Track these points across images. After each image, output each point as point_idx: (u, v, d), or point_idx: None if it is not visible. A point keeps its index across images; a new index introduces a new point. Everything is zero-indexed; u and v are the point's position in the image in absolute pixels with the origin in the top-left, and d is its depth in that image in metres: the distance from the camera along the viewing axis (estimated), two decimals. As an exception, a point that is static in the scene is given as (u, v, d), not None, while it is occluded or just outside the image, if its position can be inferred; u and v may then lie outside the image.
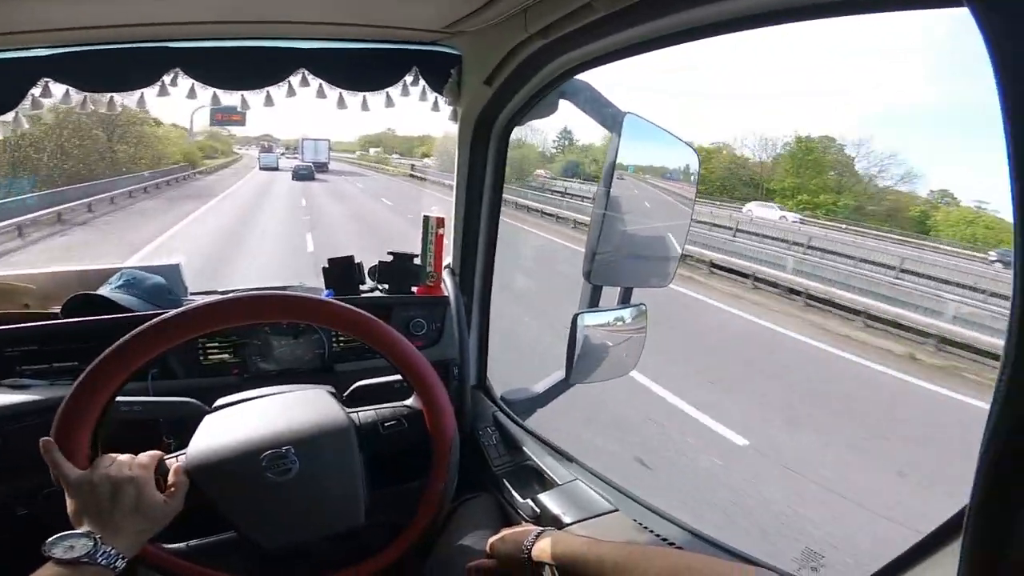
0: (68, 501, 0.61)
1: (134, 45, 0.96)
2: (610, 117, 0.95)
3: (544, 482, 0.95)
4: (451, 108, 1.10)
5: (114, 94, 1.01)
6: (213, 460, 0.68)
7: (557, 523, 0.82)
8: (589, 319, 1.03)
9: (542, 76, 0.87)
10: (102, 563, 0.55)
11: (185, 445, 0.71)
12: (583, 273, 0.96)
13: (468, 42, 0.99)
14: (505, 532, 0.73)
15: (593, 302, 1.02)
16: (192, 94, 1.02)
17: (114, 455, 0.65)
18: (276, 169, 31.04)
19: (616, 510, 0.84)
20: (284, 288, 1.23)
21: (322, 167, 31.33)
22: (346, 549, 0.92)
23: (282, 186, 23.00)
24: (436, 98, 1.10)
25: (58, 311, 1.01)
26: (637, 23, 0.66)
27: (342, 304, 0.72)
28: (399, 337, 0.74)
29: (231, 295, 0.74)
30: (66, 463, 0.61)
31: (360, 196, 22.01)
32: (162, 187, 19.27)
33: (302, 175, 27.08)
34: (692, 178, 1.02)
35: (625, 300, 1.05)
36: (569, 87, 0.95)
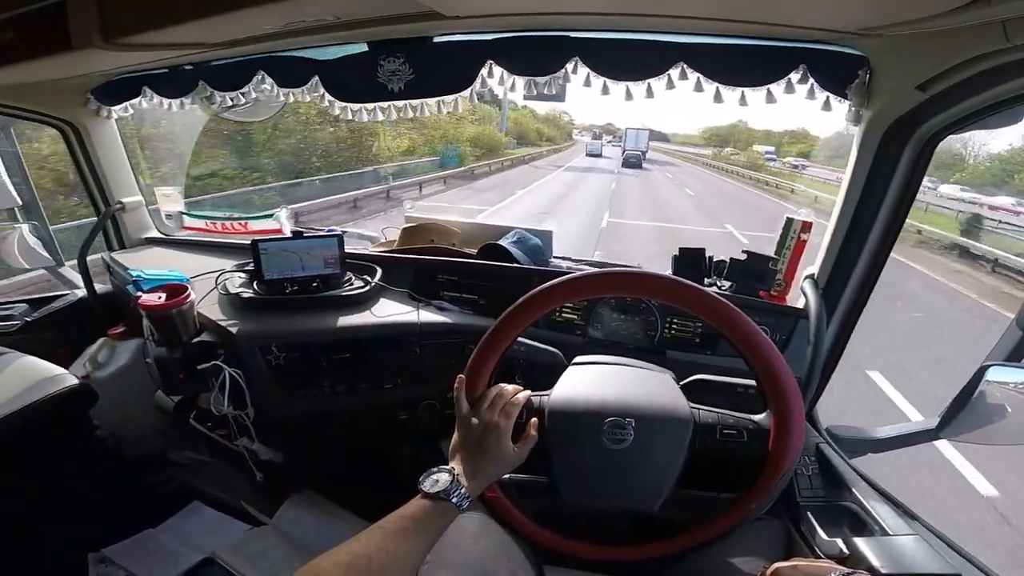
0: (455, 434, 0.73)
1: (545, 34, 1.06)
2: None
3: (863, 528, 0.86)
4: (851, 110, 1.00)
5: (534, 79, 1.11)
6: (567, 409, 0.77)
7: (872, 571, 0.73)
8: (1001, 373, 0.84)
9: (1015, 87, 0.73)
10: (453, 501, 0.63)
11: (533, 386, 0.81)
12: (1018, 321, 0.79)
13: (884, 44, 0.88)
14: (799, 562, 0.67)
15: (1017, 355, 0.84)
16: (587, 82, 1.09)
17: (502, 385, 0.77)
18: (600, 156, 34.42)
19: (958, 575, 0.72)
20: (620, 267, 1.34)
21: (643, 157, 33.76)
22: (621, 529, 0.97)
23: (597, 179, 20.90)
24: (828, 97, 1.01)
25: (474, 252, 1.34)
26: None
27: (719, 299, 0.73)
28: (776, 353, 0.72)
29: (616, 269, 0.83)
30: (464, 401, 0.75)
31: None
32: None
33: (632, 163, 29.10)
34: None
35: (1069, 360, 0.82)
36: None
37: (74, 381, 1.38)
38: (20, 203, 1.64)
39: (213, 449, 1.49)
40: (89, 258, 1.64)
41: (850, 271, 1.00)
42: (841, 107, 1.01)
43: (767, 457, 0.73)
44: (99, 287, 1.67)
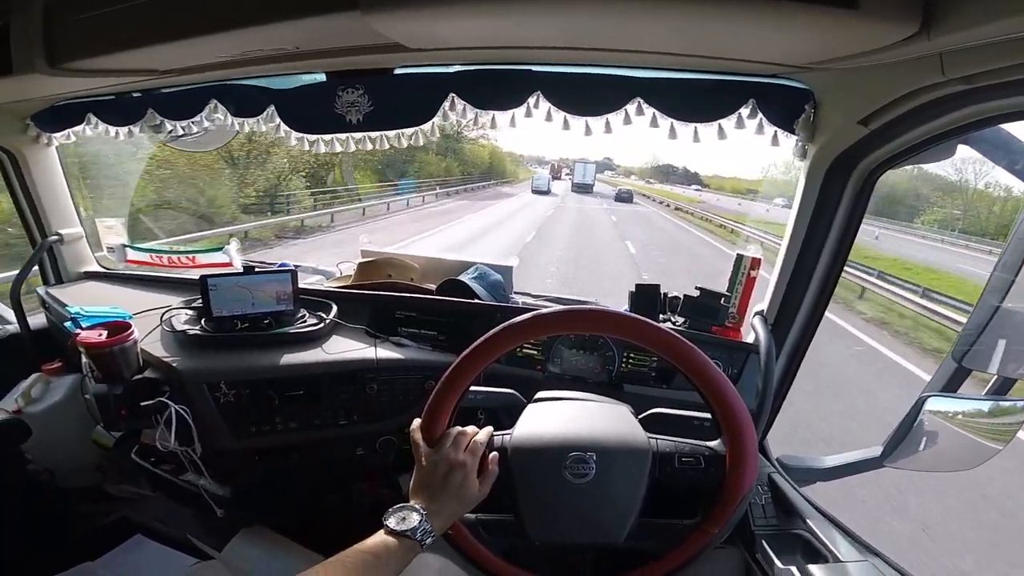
0: (414, 474, 0.72)
1: (508, 67, 1.05)
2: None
3: (816, 555, 0.88)
4: (798, 144, 1.02)
5: (494, 112, 1.10)
6: (530, 446, 0.76)
7: None
8: (939, 404, 0.88)
9: (949, 120, 0.75)
10: (418, 538, 0.63)
11: (496, 423, 0.81)
12: (953, 353, 0.83)
13: (830, 78, 0.91)
14: None
15: (952, 386, 0.87)
16: (549, 117, 1.08)
17: (459, 428, 0.75)
18: (547, 193, 30.57)
19: None
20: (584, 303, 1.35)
21: (587, 188, 33.98)
22: (588, 564, 0.96)
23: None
24: (776, 132, 1.03)
25: (433, 288, 1.32)
26: None
27: (673, 334, 0.74)
28: (728, 383, 0.73)
29: (575, 308, 0.83)
30: (423, 444, 0.73)
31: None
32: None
33: (623, 197, 29.43)
34: None
35: (1001, 391, 0.86)
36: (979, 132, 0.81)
37: (4, 416, 1.32)
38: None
39: (155, 484, 1.43)
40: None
41: (798, 307, 1.02)
42: (788, 142, 1.03)
43: (725, 482, 0.74)
44: (32, 321, 1.57)
